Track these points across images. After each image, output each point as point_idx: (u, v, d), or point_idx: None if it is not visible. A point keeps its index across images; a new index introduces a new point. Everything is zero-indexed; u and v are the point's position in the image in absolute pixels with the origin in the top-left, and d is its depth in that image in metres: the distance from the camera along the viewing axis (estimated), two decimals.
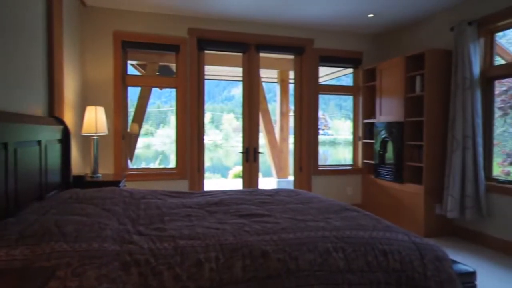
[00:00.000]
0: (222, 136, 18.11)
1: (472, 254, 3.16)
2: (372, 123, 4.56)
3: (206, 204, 2.26)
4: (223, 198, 2.38)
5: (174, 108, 4.31)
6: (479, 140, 3.31)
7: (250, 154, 4.37)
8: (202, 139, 4.32)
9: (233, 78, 6.89)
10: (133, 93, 5.23)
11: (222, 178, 10.53)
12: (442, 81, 3.64)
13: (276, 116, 6.68)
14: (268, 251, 1.47)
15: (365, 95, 4.76)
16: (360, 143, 4.87)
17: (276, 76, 6.48)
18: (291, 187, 5.06)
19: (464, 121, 3.34)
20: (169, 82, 4.36)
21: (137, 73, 5.48)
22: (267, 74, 6.65)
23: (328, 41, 4.65)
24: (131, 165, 4.75)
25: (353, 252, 1.59)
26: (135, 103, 5.21)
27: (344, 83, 5.32)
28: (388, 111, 4.16)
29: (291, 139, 5.15)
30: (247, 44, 4.34)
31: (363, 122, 4.80)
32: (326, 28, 4.55)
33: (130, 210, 1.97)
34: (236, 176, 8.73)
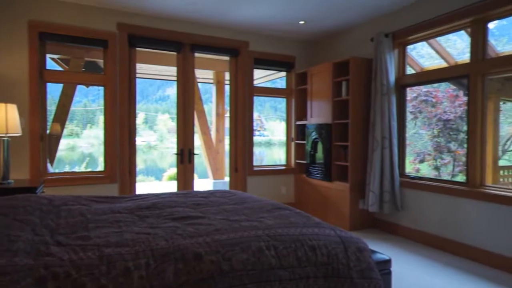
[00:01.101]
0: (157, 137, 17.42)
1: (389, 244, 3.51)
2: (304, 125, 4.80)
3: (137, 208, 2.15)
4: (156, 202, 2.30)
5: (102, 107, 4.03)
6: (395, 141, 3.68)
7: (185, 156, 4.28)
8: (134, 140, 4.11)
9: (168, 77, 6.69)
10: (56, 90, 4.77)
11: (156, 180, 10.14)
12: (364, 87, 3.98)
13: (212, 117, 6.65)
14: (201, 253, 1.46)
15: (297, 97, 4.98)
16: (293, 144, 5.08)
17: (212, 77, 6.45)
18: (227, 188, 5.08)
19: (382, 124, 3.69)
20: (97, 79, 4.06)
21: (59, 68, 5.01)
22: (203, 75, 6.59)
23: (262, 45, 4.78)
24: (52, 169, 4.32)
25: (284, 249, 1.66)
26: (57, 101, 4.76)
27: (279, 86, 5.50)
28: (318, 113, 4.42)
29: (227, 140, 5.17)
30: (182, 44, 4.25)
31: (295, 123, 5.02)
32: (261, 31, 4.67)
33: (48, 219, 1.79)
34: (171, 178, 8.47)
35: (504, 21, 3.03)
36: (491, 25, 3.17)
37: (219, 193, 2.77)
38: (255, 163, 4.79)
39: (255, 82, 5.19)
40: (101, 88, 4.00)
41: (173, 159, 4.52)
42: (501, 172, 5.20)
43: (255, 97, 4.77)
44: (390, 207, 3.67)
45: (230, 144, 4.72)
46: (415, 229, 3.60)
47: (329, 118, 4.18)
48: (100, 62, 4.54)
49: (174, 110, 4.36)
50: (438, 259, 3.09)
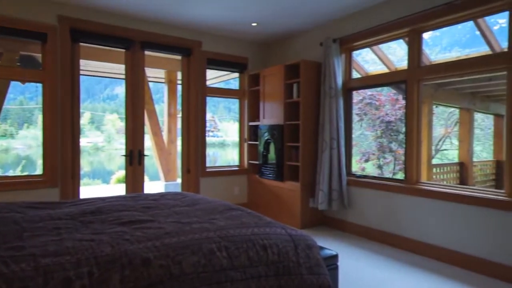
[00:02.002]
0: (104, 138, 16.51)
1: (336, 239, 3.68)
2: (257, 126, 4.85)
3: (80, 213, 2.03)
4: (101, 206, 2.18)
5: (41, 105, 3.73)
6: (342, 141, 3.87)
7: (134, 157, 4.11)
8: (78, 142, 3.86)
9: (116, 75, 6.36)
10: None
11: (103, 184, 9.61)
12: (314, 89, 4.13)
13: (164, 118, 6.46)
14: (150, 258, 1.42)
15: (250, 99, 5.03)
16: (246, 145, 5.12)
17: (163, 76, 6.27)
18: (179, 190, 4.97)
19: (331, 125, 3.86)
20: (34, 75, 3.75)
21: None
22: (155, 74, 6.37)
23: (215, 45, 4.75)
24: None
25: (236, 250, 1.66)
26: None
27: (233, 87, 5.50)
28: (271, 114, 4.50)
29: (179, 141, 5.06)
30: (131, 41, 4.08)
31: (248, 124, 5.06)
32: (214, 31, 4.64)
33: None
34: (119, 181, 8.09)
35: (437, 32, 3.35)
36: (426, 36, 3.47)
37: (170, 195, 2.71)
38: (208, 164, 4.74)
39: (208, 83, 5.14)
40: (40, 85, 3.70)
41: (122, 161, 4.31)
42: (434, 170, 5.70)
43: (208, 98, 4.72)
44: (338, 205, 3.85)
45: (183, 145, 4.63)
46: (360, 224, 3.81)
47: (281, 119, 4.28)
48: (38, 56, 4.19)
49: (123, 110, 4.16)
50: (380, 252, 3.30)
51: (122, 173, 7.93)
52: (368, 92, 7.06)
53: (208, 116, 4.77)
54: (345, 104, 4.03)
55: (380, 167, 7.24)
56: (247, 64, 5.08)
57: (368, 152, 7.43)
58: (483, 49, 3.71)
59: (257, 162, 4.81)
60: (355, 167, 4.36)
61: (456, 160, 6.46)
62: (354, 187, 3.89)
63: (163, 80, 6.36)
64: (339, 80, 3.91)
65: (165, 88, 6.32)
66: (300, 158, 4.06)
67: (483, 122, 8.69)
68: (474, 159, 6.44)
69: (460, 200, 2.92)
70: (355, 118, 4.36)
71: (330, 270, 2.08)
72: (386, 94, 7.11)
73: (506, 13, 2.70)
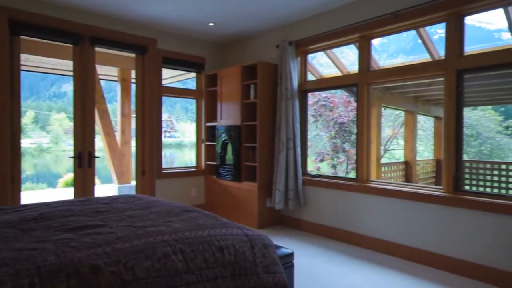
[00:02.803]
0: (50, 138, 15.40)
1: (293, 238, 3.77)
2: (214, 126, 4.82)
3: (20, 221, 1.88)
4: (45, 212, 2.04)
5: None
6: (298, 142, 3.97)
7: (84, 159, 3.89)
8: (19, 142, 3.56)
9: (64, 72, 5.97)
10: None
11: (49, 188, 8.97)
12: (271, 90, 4.20)
13: (117, 118, 6.18)
14: (100, 265, 1.35)
15: (207, 99, 4.98)
16: (203, 145, 5.06)
17: (116, 74, 6.00)
18: (133, 192, 4.78)
19: (287, 126, 3.94)
20: None
21: None
22: (107, 71, 6.08)
23: (172, 44, 4.64)
24: None
25: (191, 252, 1.64)
26: None
27: (190, 87, 5.41)
28: (228, 115, 4.49)
29: (134, 142, 4.88)
30: (80, 36, 3.85)
31: (206, 125, 5.01)
32: (170, 30, 4.53)
33: None
34: (67, 185, 7.59)
35: (385, 39, 3.57)
36: (375, 42, 3.67)
37: (123, 198, 2.60)
38: (165, 166, 4.62)
39: (165, 82, 5.01)
40: None
41: (70, 163, 4.06)
42: (383, 168, 6.05)
43: (165, 98, 4.60)
44: (294, 204, 3.95)
45: (137, 146, 4.46)
46: (315, 223, 3.94)
47: (238, 120, 4.29)
48: None
49: (71, 109, 3.91)
50: (334, 248, 3.43)
51: (70, 176, 7.46)
52: (323, 94, 7.33)
53: (165, 116, 4.66)
54: (300, 106, 4.14)
55: (334, 166, 7.54)
56: (205, 64, 5.02)
57: (323, 152, 7.70)
58: (424, 57, 4.01)
59: (215, 163, 4.78)
60: (311, 167, 4.50)
61: (402, 159, 6.92)
62: (309, 187, 4.01)
63: (116, 78, 6.09)
64: (295, 82, 4.01)
65: (118, 87, 6.05)
66: (257, 159, 4.10)
67: (425, 124, 9.41)
68: (418, 158, 6.94)
69: (405, 197, 3.13)
70: (310, 119, 4.50)
71: (286, 268, 2.13)
72: (339, 96, 7.42)
73: (444, 24, 2.95)
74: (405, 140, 6.61)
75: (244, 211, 4.28)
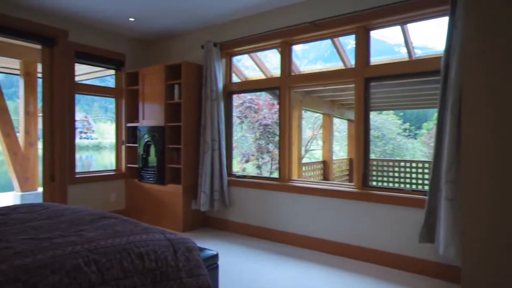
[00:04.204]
0: None
1: (218, 239, 3.77)
2: (136, 127, 4.57)
3: None
4: None
5: None
6: (223, 143, 3.99)
7: None
8: None
9: None
10: None
11: None
12: (196, 91, 4.14)
13: (19, 116, 5.44)
14: None
15: (128, 98, 4.70)
16: (123, 147, 4.76)
17: (18, 67, 5.29)
18: (40, 200, 4.28)
19: (212, 127, 3.93)
20: None
21: None
22: (6, 64, 5.33)
23: (87, 37, 4.27)
24: None
25: (107, 262, 1.53)
26: None
27: (110, 84, 5.02)
28: (151, 115, 4.30)
29: (41, 144, 4.36)
30: None
31: (126, 125, 4.72)
32: (84, 21, 4.16)
33: None
34: None
35: (306, 46, 3.80)
36: (297, 48, 3.88)
37: (26, 207, 2.31)
38: (81, 170, 4.22)
39: (81, 78, 4.59)
40: None
41: None
42: (304, 168, 6.43)
43: (80, 96, 4.20)
44: (220, 205, 3.95)
45: (44, 149, 3.99)
46: (241, 222, 4.00)
47: (162, 121, 4.14)
48: None
49: None
50: (258, 247, 3.53)
51: None
52: (248, 96, 7.49)
53: (80, 116, 4.30)
54: (226, 107, 4.16)
55: (259, 167, 7.76)
56: (125, 61, 4.73)
57: (248, 153, 7.87)
58: (339, 64, 4.38)
59: (137, 165, 4.53)
60: (236, 168, 4.56)
61: (321, 159, 7.44)
62: (234, 187, 4.05)
63: (18, 72, 5.36)
64: (220, 84, 4.03)
65: (21, 82, 5.34)
66: (182, 160, 4.01)
67: (340, 126, 10.27)
68: (334, 158, 7.54)
69: (322, 194, 3.37)
70: (236, 120, 4.57)
71: (211, 270, 2.13)
72: (264, 98, 7.66)
73: (353, 36, 3.26)
74: (323, 141, 7.12)
75: (168, 214, 4.14)
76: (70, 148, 4.09)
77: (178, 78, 4.09)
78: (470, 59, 2.01)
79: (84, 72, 5.28)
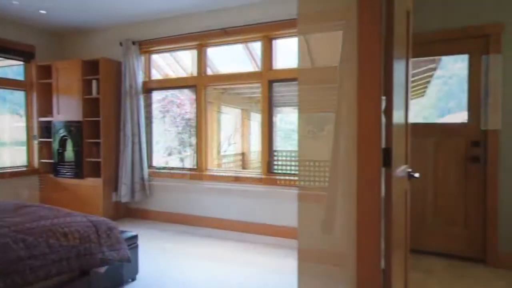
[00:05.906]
0: None
1: (140, 227, 4.00)
2: (50, 122, 4.48)
3: None
4: None
5: None
6: (143, 137, 4.21)
7: None
8: None
9: None
10: None
11: None
12: (115, 87, 4.26)
13: None
14: None
15: (40, 92, 4.56)
16: (35, 142, 4.62)
17: None
18: None
19: (132, 122, 4.12)
20: None
21: None
22: None
23: None
24: None
25: (34, 240, 1.76)
26: None
27: (10, 76, 4.74)
28: (67, 110, 4.28)
29: None
30: None
31: (38, 120, 4.59)
32: None
33: None
34: None
35: (225, 48, 4.20)
36: (214, 50, 4.25)
37: None
38: None
39: None
40: None
41: None
42: (225, 159, 6.90)
43: None
44: (141, 196, 4.19)
45: None
46: (162, 211, 4.29)
47: (79, 116, 4.17)
48: None
49: None
50: (178, 231, 3.88)
51: None
52: (170, 91, 7.62)
53: None
54: (145, 102, 4.37)
55: (182, 160, 7.99)
56: (35, 53, 4.57)
57: (171, 146, 8.04)
58: (251, 67, 4.88)
59: (52, 160, 4.46)
60: (160, 161, 4.79)
61: (241, 151, 7.99)
62: (156, 178, 4.31)
63: None
64: (139, 80, 4.22)
65: None
66: (102, 154, 4.12)
67: (257, 120, 10.99)
68: (253, 149, 8.16)
69: (235, 181, 3.85)
70: (158, 115, 4.78)
71: (131, 249, 2.43)
72: (186, 93, 7.88)
73: (260, 43, 3.78)
74: (243, 134, 7.68)
75: (88, 207, 4.20)
76: None
77: (96, 73, 4.16)
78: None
79: None
